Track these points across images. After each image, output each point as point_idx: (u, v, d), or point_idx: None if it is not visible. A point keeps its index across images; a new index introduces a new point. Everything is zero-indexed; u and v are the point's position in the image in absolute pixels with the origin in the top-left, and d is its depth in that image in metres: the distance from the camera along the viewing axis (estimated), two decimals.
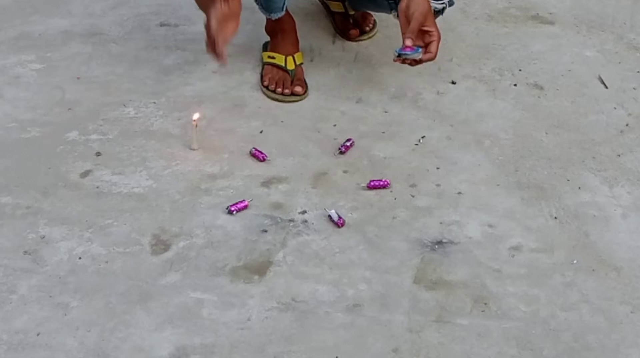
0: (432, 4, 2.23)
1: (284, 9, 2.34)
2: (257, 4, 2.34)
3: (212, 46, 2.06)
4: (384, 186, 2.07)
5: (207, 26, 2.04)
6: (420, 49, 2.08)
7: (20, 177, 2.10)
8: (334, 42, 2.60)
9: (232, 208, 2.00)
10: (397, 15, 2.35)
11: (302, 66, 2.42)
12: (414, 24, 2.07)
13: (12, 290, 1.81)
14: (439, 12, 2.29)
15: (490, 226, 1.98)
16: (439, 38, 2.11)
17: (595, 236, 1.95)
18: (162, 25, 2.69)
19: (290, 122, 2.27)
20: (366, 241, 1.94)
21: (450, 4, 2.29)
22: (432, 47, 2.10)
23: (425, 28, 2.09)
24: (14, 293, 1.81)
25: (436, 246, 1.92)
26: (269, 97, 2.36)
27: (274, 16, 2.34)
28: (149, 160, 2.15)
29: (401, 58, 2.10)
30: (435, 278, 1.85)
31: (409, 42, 2.06)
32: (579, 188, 2.08)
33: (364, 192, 2.07)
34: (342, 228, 1.96)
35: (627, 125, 2.29)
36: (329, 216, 1.98)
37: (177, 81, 2.44)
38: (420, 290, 1.82)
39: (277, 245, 1.92)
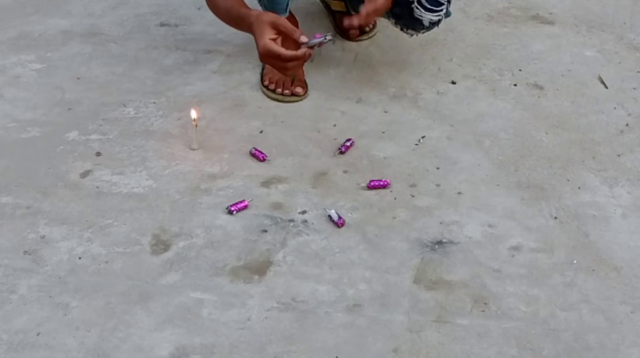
0: (428, 16, 2.25)
1: (288, 10, 2.34)
2: (261, 5, 2.34)
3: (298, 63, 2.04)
4: (384, 186, 2.07)
5: (274, 58, 2.02)
6: (328, 35, 2.04)
7: (20, 177, 2.10)
8: (334, 42, 2.60)
9: (232, 208, 2.00)
10: (395, 22, 2.36)
11: (302, 66, 2.43)
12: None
13: (12, 290, 1.81)
14: (434, 24, 2.30)
15: (490, 226, 1.98)
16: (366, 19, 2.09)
17: (595, 236, 1.95)
18: (162, 25, 2.69)
19: (290, 122, 2.27)
20: (366, 241, 1.94)
21: (447, 15, 2.30)
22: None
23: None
24: (14, 293, 1.81)
25: (436, 246, 1.92)
26: (269, 97, 2.36)
27: None
28: (149, 160, 2.16)
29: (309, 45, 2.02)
30: (435, 278, 1.85)
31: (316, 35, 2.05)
32: (579, 188, 2.08)
33: (364, 192, 2.07)
34: (342, 228, 1.96)
35: (627, 125, 2.29)
36: (329, 216, 1.98)
37: (177, 81, 2.44)
38: (420, 290, 1.82)
39: (277, 245, 1.92)
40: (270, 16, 2.05)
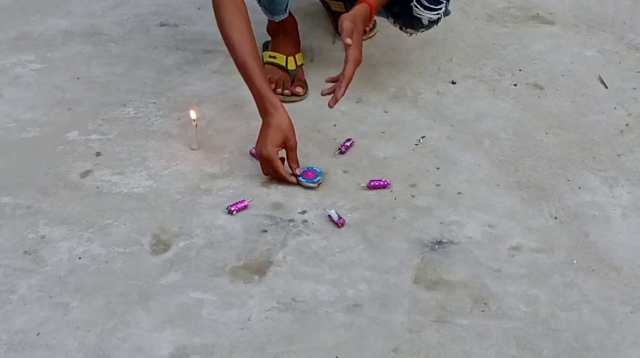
0: (427, 15, 2.25)
1: (287, 11, 2.34)
2: (260, 5, 2.34)
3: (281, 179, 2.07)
4: (384, 186, 2.07)
5: (271, 167, 2.05)
6: (319, 178, 2.06)
7: (20, 177, 2.10)
8: (334, 42, 2.60)
9: (232, 208, 2.00)
10: (394, 22, 2.37)
11: (303, 66, 2.43)
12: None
13: (12, 290, 1.81)
14: (433, 23, 2.30)
15: (490, 226, 1.98)
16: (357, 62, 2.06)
17: (595, 236, 1.95)
18: (162, 25, 2.69)
19: None
20: (366, 241, 1.94)
21: (446, 14, 2.30)
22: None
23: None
24: (14, 293, 1.81)
25: (436, 246, 1.92)
26: None
27: (277, 18, 2.34)
28: (149, 160, 2.16)
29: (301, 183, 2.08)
30: (435, 278, 1.85)
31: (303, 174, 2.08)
32: (579, 188, 2.08)
33: (364, 192, 2.07)
34: (342, 228, 1.96)
35: (627, 125, 2.29)
36: (329, 216, 1.98)
37: (177, 81, 2.44)
38: (420, 290, 1.82)
39: (277, 245, 1.92)
40: (287, 128, 2.04)
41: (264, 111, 2.06)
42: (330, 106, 2.06)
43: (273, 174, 2.07)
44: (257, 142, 2.06)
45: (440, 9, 2.26)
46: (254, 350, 1.70)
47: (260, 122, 2.07)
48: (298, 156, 2.08)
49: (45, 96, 2.38)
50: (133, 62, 2.52)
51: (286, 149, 2.07)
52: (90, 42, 2.61)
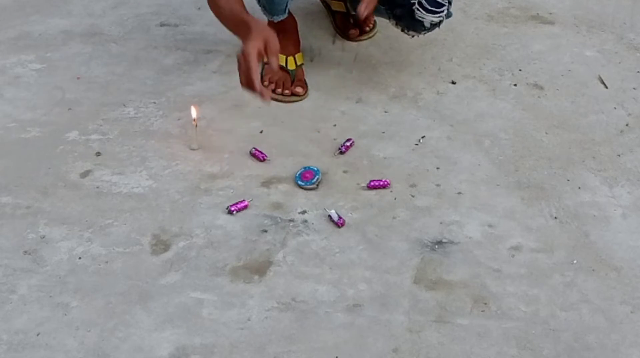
0: (429, 18, 2.25)
1: (287, 11, 2.34)
2: (260, 5, 2.34)
3: (249, 82, 1.99)
4: (384, 186, 2.07)
5: (245, 61, 1.97)
6: (317, 177, 2.05)
7: (20, 177, 2.10)
8: (334, 42, 2.60)
9: (232, 208, 2.00)
10: (396, 24, 2.37)
11: (303, 66, 2.43)
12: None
13: (12, 290, 1.81)
14: (435, 25, 2.30)
15: (490, 226, 1.98)
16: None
17: (595, 236, 1.95)
18: (162, 25, 2.70)
19: (290, 123, 2.27)
20: (366, 241, 1.94)
21: (448, 16, 2.30)
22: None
23: None
24: (14, 293, 1.81)
25: (436, 246, 1.92)
26: None
27: (277, 19, 2.34)
28: (149, 160, 2.16)
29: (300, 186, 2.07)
30: (435, 278, 1.85)
31: (307, 174, 2.07)
32: (579, 188, 2.08)
33: (364, 192, 2.07)
34: (342, 228, 1.96)
35: (627, 125, 2.29)
36: (329, 216, 1.98)
37: (177, 81, 2.44)
38: (420, 290, 1.82)
39: (277, 245, 1.92)
40: (270, 34, 2.00)
41: (247, 26, 2.01)
42: (360, 13, 2.15)
43: (245, 77, 1.98)
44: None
45: (442, 11, 2.26)
46: (254, 350, 1.70)
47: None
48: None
49: (45, 96, 2.38)
50: (133, 62, 2.52)
51: (267, 52, 1.99)
52: (90, 42, 2.61)
